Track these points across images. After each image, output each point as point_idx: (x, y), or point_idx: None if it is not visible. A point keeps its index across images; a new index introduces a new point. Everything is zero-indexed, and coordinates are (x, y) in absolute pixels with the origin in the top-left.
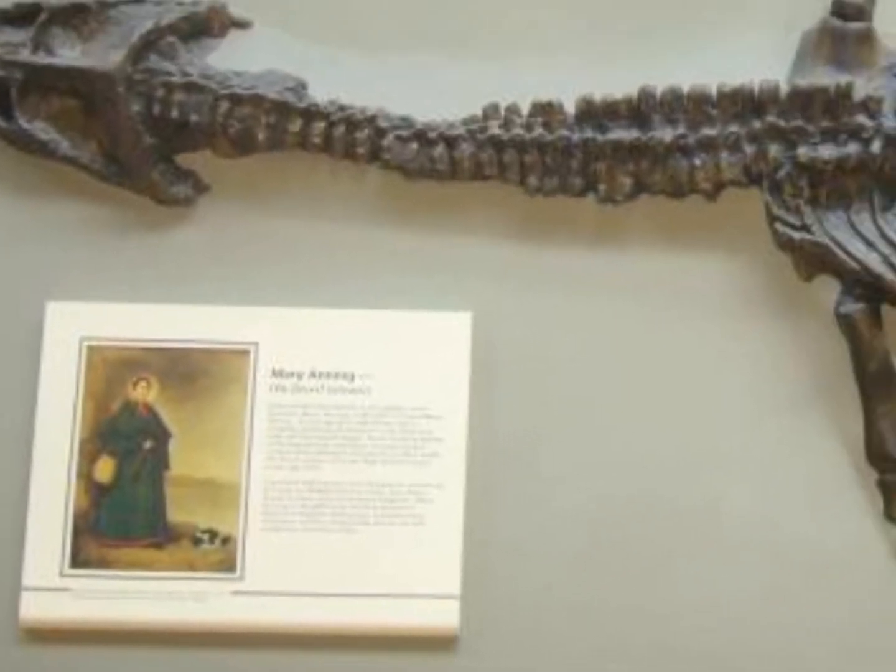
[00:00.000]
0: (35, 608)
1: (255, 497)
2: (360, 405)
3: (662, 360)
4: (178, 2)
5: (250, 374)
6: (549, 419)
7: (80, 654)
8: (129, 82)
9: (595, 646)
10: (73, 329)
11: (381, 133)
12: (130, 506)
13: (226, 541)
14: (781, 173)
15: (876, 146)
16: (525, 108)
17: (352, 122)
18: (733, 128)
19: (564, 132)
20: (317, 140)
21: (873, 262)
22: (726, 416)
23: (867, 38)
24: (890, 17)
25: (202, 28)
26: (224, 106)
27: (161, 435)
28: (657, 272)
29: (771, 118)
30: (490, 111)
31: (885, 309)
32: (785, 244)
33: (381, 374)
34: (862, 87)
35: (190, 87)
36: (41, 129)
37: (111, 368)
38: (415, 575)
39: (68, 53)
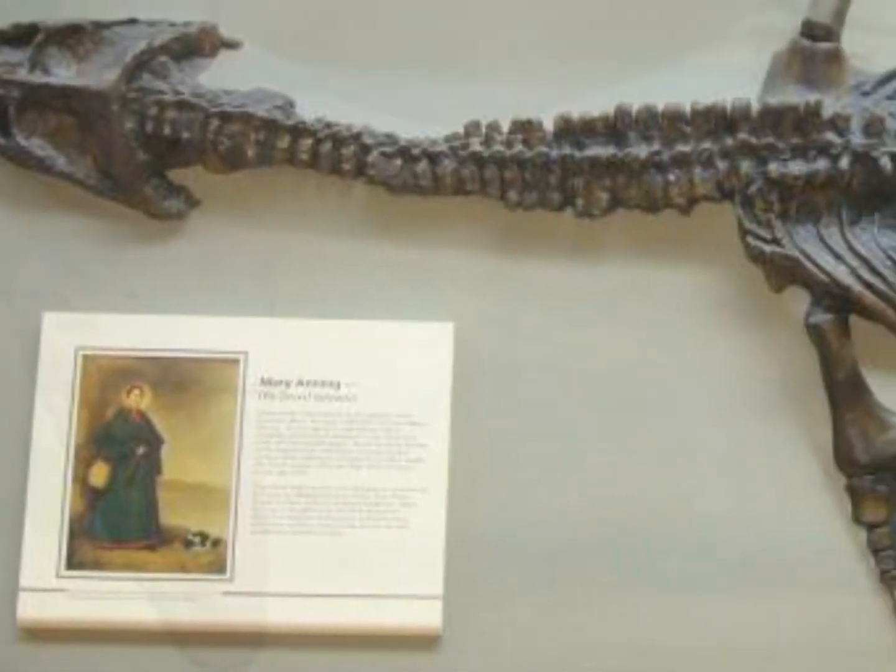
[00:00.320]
0: (32, 608)
1: (244, 501)
2: (346, 412)
3: (638, 368)
4: (170, 23)
5: (240, 383)
6: (529, 425)
7: (76, 653)
8: (123, 100)
9: (574, 645)
10: (69, 339)
11: (366, 149)
12: (124, 509)
13: (216, 543)
14: (753, 188)
15: (844, 162)
16: (505, 126)
17: (338, 139)
18: (706, 144)
19: (543, 149)
20: (304, 156)
21: (842, 274)
22: (700, 421)
23: (835, 58)
24: (857, 39)
25: (193, 48)
26: (214, 123)
27: (154, 441)
28: (633, 283)
29: (743, 135)
30: (471, 129)
31: (853, 319)
32: (756, 257)
33: (367, 383)
34: (830, 105)
35: (182, 106)
36: (38, 146)
37: (105, 377)
38: (399, 576)
39: (64, 73)
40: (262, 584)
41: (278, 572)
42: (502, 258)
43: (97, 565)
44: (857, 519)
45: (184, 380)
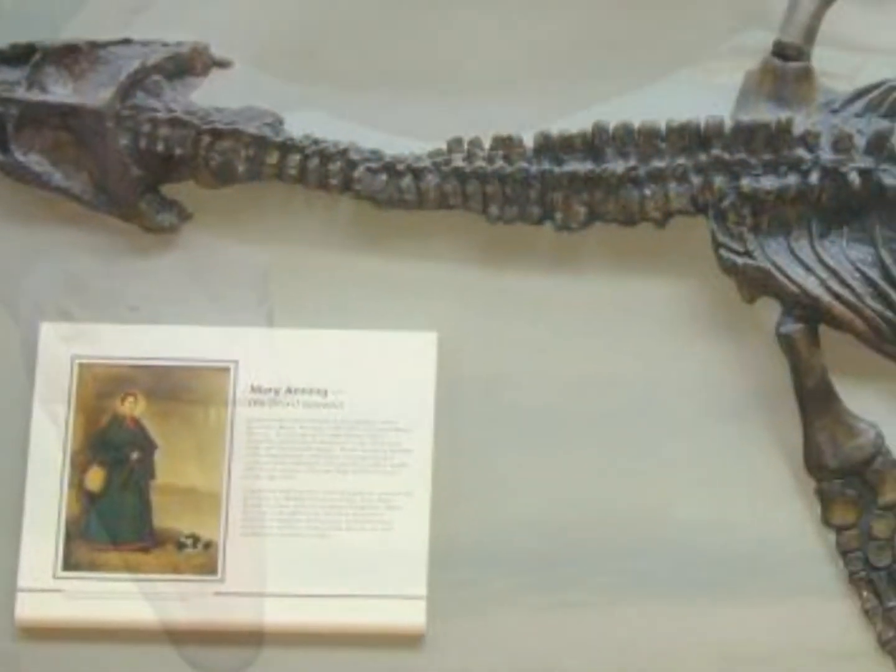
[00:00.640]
0: (30, 608)
1: (235, 504)
2: (333, 419)
3: (615, 376)
4: (163, 43)
5: (230, 390)
6: (510, 431)
7: (72, 651)
8: (118, 118)
9: (554, 645)
10: (66, 348)
11: (352, 165)
12: (119, 512)
13: (208, 545)
14: (726, 203)
15: (814, 178)
16: (487, 142)
17: (325, 155)
18: (681, 160)
19: (523, 164)
20: (292, 172)
21: (811, 285)
22: (676, 427)
23: (806, 77)
24: (827, 58)
25: (186, 67)
26: (206, 140)
27: (147, 446)
28: (610, 294)
29: (716, 151)
30: (454, 145)
31: (823, 329)
32: (729, 268)
33: (353, 390)
34: (801, 122)
35: (174, 123)
36: (35, 162)
37: (101, 385)
38: (384, 577)
39: (61, 91)
40: (252, 584)
41: (268, 573)
42: (484, 270)
43: (93, 566)
44: (826, 522)
45: (176, 388)
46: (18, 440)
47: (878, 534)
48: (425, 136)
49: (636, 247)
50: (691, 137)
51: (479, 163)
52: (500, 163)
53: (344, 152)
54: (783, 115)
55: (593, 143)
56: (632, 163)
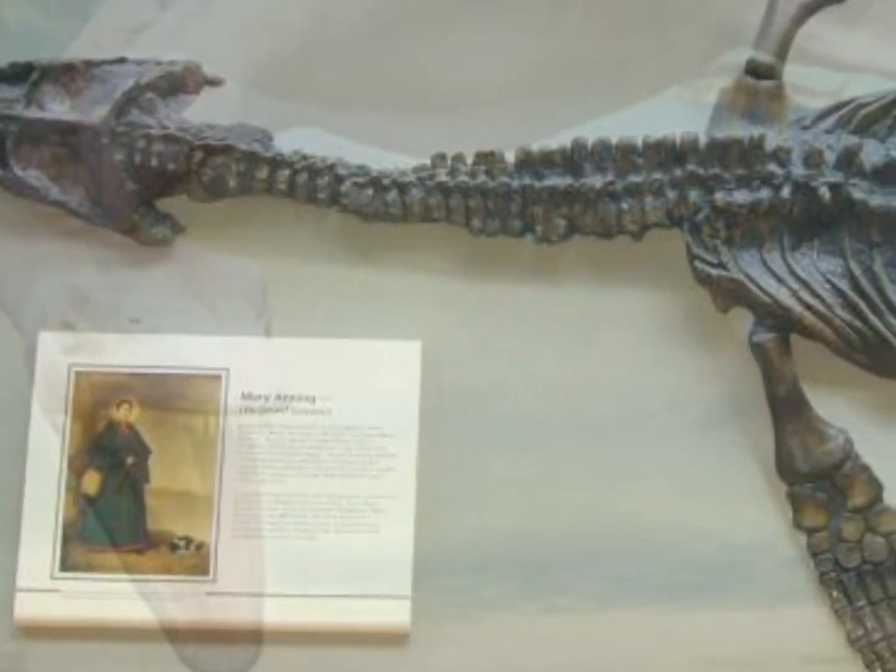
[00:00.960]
0: (28, 607)
1: (226, 507)
2: (321, 425)
3: (594, 384)
4: (156, 62)
5: (222, 397)
6: (492, 437)
7: (69, 649)
8: (113, 134)
9: (533, 643)
10: (63, 356)
11: (339, 180)
12: (114, 515)
13: (200, 547)
14: (700, 216)
15: (785, 192)
16: (469, 158)
17: (313, 170)
18: (657, 175)
19: (505, 179)
20: (282, 186)
21: (783, 296)
22: (652, 433)
23: (778, 95)
24: (812, 76)
25: (178, 85)
26: (198, 155)
27: (142, 451)
28: (589, 305)
29: (691, 166)
30: (438, 160)
31: (794, 338)
32: (704, 280)
33: (340, 397)
34: (773, 138)
35: (168, 139)
36: (34, 177)
37: (97, 392)
38: (370, 577)
39: (58, 108)
40: (242, 584)
41: (258, 574)
42: (467, 281)
43: (89, 567)
44: (797, 524)
45: (170, 395)
46: (17, 445)
47: (847, 536)
48: (410, 152)
49: (614, 259)
50: (667, 153)
51: (462, 177)
52: (482, 177)
53: (331, 167)
54: (756, 131)
55: (572, 159)
56: (609, 178)
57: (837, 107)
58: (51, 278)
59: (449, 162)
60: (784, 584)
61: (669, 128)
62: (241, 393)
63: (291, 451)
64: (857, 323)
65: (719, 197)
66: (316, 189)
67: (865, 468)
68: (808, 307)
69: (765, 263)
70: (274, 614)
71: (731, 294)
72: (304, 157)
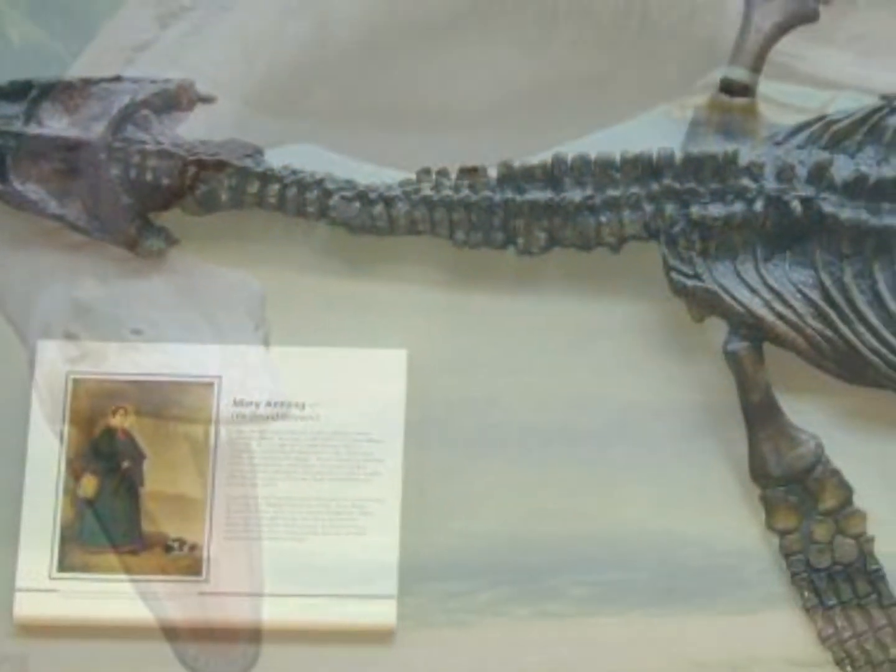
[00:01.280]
0: (27, 607)
1: (218, 510)
2: (310, 430)
3: (574, 391)
4: (151, 80)
5: (214, 404)
6: (475, 442)
7: (67, 647)
8: (109, 150)
9: (514, 641)
10: (61, 364)
11: (328, 194)
12: (111, 518)
13: (193, 548)
14: (676, 229)
15: (758, 205)
16: (453, 173)
17: (303, 185)
18: (634, 189)
19: (487, 193)
20: (272, 200)
21: (756, 306)
22: (630, 438)
23: (751, 112)
24: (799, 93)
25: (173, 103)
26: (192, 170)
27: (137, 456)
28: (569, 315)
29: (667, 181)
30: (422, 175)
31: (767, 347)
32: (679, 290)
33: (329, 404)
34: (746, 154)
35: (162, 154)
36: (32, 191)
37: (94, 399)
38: (357, 578)
39: (56, 125)
40: (234, 585)
41: (249, 574)
42: (451, 292)
43: (86, 568)
44: (770, 526)
45: (164, 401)
46: (17, 450)
47: (818, 537)
48: (396, 167)
49: (593, 270)
50: (644, 168)
51: (447, 192)
52: (465, 191)
53: (320, 182)
54: (730, 146)
55: (553, 174)
56: (588, 192)
57: (809, 123)
58: (54, 290)
59: (433, 176)
60: (768, 588)
61: (657, 145)
62: (233, 400)
63: (282, 456)
64: (828, 332)
65: (695, 210)
66: (305, 203)
67: (835, 472)
68: (781, 317)
69: (738, 275)
70: (264, 613)
71: (706, 304)
72: (294, 172)
